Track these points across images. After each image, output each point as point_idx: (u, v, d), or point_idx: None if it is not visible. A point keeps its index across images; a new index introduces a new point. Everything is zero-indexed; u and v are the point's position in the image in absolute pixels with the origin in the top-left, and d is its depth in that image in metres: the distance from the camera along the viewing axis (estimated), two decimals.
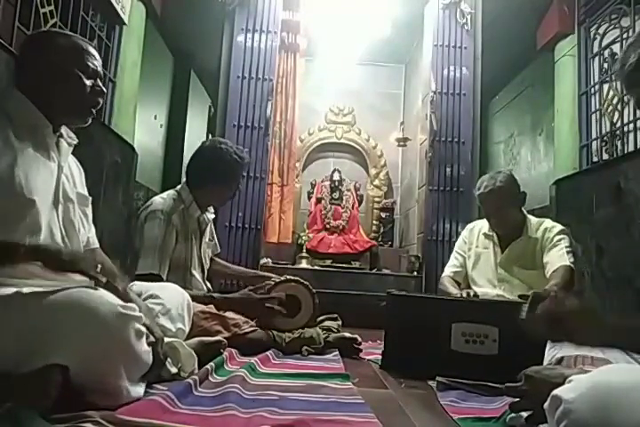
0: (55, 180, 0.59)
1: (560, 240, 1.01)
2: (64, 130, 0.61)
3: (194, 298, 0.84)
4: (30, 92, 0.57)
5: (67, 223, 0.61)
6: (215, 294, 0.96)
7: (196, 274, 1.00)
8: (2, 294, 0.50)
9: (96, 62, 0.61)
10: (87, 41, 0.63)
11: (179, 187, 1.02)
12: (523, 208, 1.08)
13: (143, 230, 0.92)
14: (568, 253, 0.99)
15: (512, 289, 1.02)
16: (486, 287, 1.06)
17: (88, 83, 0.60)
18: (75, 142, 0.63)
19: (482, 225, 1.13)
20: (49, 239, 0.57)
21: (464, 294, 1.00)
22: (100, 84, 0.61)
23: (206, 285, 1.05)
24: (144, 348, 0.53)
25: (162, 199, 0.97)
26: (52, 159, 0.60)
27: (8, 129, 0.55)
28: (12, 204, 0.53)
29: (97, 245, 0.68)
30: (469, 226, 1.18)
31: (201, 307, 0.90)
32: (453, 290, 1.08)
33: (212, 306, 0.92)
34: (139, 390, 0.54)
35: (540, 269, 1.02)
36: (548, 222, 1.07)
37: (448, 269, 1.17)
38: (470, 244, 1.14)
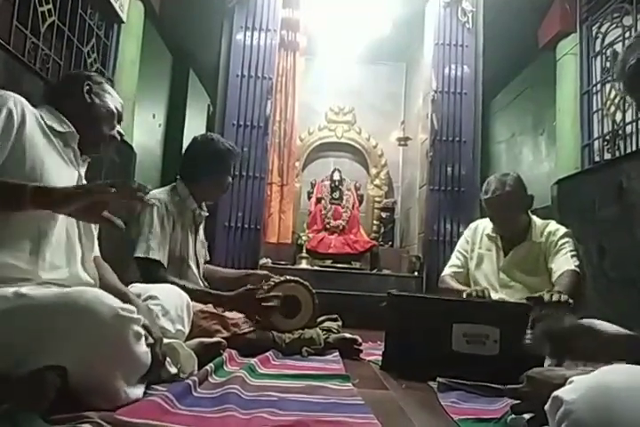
0: (76, 183, 0.63)
1: (564, 244, 1.00)
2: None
3: (192, 292, 0.85)
4: (65, 113, 0.63)
5: (84, 224, 0.63)
6: (213, 291, 0.96)
7: (193, 267, 1.00)
8: (1, 294, 0.50)
9: (120, 108, 0.71)
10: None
11: (174, 184, 1.04)
12: (529, 211, 1.06)
13: (139, 218, 0.92)
14: (573, 256, 0.97)
15: (514, 294, 1.01)
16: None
17: (116, 125, 0.69)
18: (88, 160, 0.68)
19: (485, 225, 1.11)
20: (64, 237, 0.59)
21: (474, 293, 0.97)
22: (120, 129, 0.70)
23: (203, 282, 1.05)
24: (143, 349, 0.53)
25: (158, 191, 1.00)
26: (74, 166, 0.64)
27: (43, 127, 0.58)
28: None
29: (98, 253, 0.70)
30: (472, 225, 1.16)
31: (200, 306, 0.90)
32: (459, 286, 1.06)
33: (210, 305, 0.92)
34: (137, 391, 0.54)
35: (543, 275, 1.01)
36: (552, 225, 1.05)
37: (449, 269, 1.15)
38: (473, 244, 1.12)
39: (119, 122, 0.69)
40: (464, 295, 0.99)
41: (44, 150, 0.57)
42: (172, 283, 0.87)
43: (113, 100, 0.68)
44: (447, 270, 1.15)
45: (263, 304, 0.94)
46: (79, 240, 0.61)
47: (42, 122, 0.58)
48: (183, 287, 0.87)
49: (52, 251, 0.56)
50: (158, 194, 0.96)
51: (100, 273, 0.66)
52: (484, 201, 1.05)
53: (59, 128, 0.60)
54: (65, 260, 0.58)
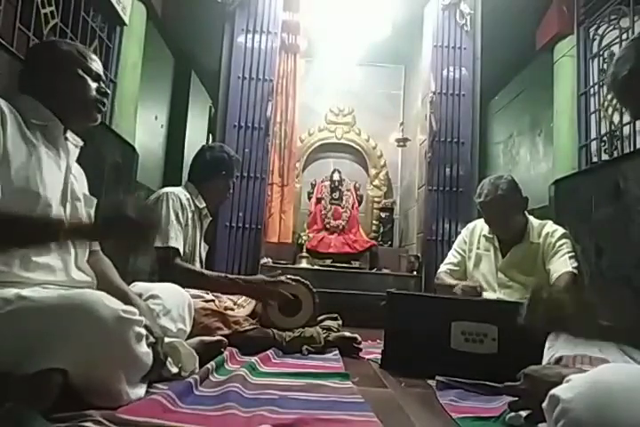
0: (64, 178, 0.61)
1: (562, 246, 1.00)
2: (69, 134, 0.64)
3: (210, 277, 0.87)
4: (41, 95, 0.60)
5: (74, 221, 0.61)
6: (231, 275, 0.98)
7: (197, 262, 1.03)
8: (2, 296, 0.50)
9: (98, 66, 0.66)
10: (85, 47, 0.69)
11: (184, 184, 1.09)
12: (525, 212, 1.07)
13: (155, 211, 0.95)
14: (570, 258, 0.98)
15: (513, 294, 1.02)
16: (487, 291, 1.06)
17: (93, 85, 0.64)
18: (80, 144, 0.66)
19: (482, 225, 1.12)
20: None
21: (469, 283, 0.99)
22: (104, 86, 0.66)
23: None
24: (144, 350, 0.54)
25: (170, 188, 1.04)
26: (62, 158, 0.62)
27: (21, 126, 0.57)
28: (21, 199, 0.54)
29: (98, 247, 0.69)
30: (470, 225, 1.17)
31: (202, 304, 0.91)
32: (452, 281, 1.07)
33: (211, 303, 0.93)
34: (138, 392, 0.54)
35: (542, 275, 1.01)
36: (549, 226, 1.06)
37: (444, 266, 1.16)
38: (471, 244, 1.13)
39: (97, 80, 0.64)
40: (456, 289, 1.00)
41: (26, 149, 0.55)
42: (190, 270, 0.90)
43: None
44: (443, 268, 1.16)
45: (278, 289, 0.95)
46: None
47: (20, 119, 0.56)
48: (201, 274, 0.90)
49: (45, 253, 0.56)
50: (172, 190, 1.01)
51: (100, 269, 0.66)
52: (479, 204, 1.06)
53: (40, 121, 0.58)
54: (60, 261, 0.58)
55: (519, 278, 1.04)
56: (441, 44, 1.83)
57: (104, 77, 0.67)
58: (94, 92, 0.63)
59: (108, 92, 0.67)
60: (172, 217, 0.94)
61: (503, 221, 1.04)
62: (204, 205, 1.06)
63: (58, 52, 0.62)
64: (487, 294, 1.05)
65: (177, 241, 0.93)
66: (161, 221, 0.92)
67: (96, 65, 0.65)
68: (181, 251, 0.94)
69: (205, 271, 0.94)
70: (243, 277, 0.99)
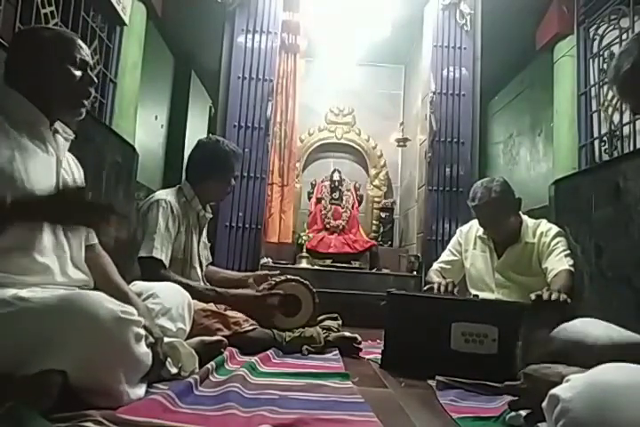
0: (55, 173, 0.59)
1: (557, 244, 1.01)
2: (59, 126, 0.61)
3: (196, 290, 0.85)
4: (23, 88, 0.57)
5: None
6: (218, 289, 0.96)
7: (197, 268, 1.02)
8: (1, 298, 0.50)
9: (83, 52, 0.61)
10: (72, 33, 0.63)
11: (180, 185, 1.05)
12: (520, 212, 1.07)
13: (146, 219, 0.93)
14: (566, 255, 0.98)
15: (511, 294, 1.03)
16: (485, 291, 1.07)
17: (77, 73, 0.59)
18: (71, 137, 0.62)
19: (477, 227, 1.13)
20: (52, 238, 0.57)
21: (448, 283, 0.99)
22: (91, 74, 0.61)
23: (204, 284, 1.05)
24: (143, 350, 0.53)
25: (164, 191, 1.01)
26: (51, 153, 0.60)
27: (6, 124, 0.55)
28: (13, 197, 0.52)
29: (96, 240, 0.68)
30: (464, 227, 1.17)
31: (202, 305, 0.90)
32: (436, 278, 1.08)
33: (211, 304, 0.93)
34: (138, 392, 0.54)
35: (539, 275, 1.02)
36: (543, 225, 1.06)
37: (437, 265, 1.16)
38: (466, 245, 1.14)
39: (83, 69, 0.59)
40: (428, 287, 1.01)
41: (10, 147, 0.53)
42: (176, 281, 0.88)
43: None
44: (435, 266, 1.17)
45: (267, 303, 0.94)
46: (66, 238, 0.59)
47: (4, 117, 0.54)
48: (187, 285, 0.88)
49: (41, 253, 0.55)
50: (165, 195, 0.97)
51: (99, 266, 0.65)
52: (472, 208, 1.06)
53: (24, 117, 0.56)
54: (57, 261, 0.57)
55: (516, 278, 1.04)
56: (441, 44, 1.83)
57: (91, 64, 0.61)
58: (77, 83, 0.58)
59: (95, 79, 0.61)
60: (162, 226, 0.91)
61: (497, 223, 1.04)
62: (201, 206, 1.02)
63: (37, 40, 0.57)
64: (485, 295, 1.05)
65: (162, 252, 0.89)
66: (147, 230, 0.89)
67: (80, 51, 0.59)
68: (166, 262, 0.91)
69: (192, 283, 0.90)
70: (232, 291, 0.95)
